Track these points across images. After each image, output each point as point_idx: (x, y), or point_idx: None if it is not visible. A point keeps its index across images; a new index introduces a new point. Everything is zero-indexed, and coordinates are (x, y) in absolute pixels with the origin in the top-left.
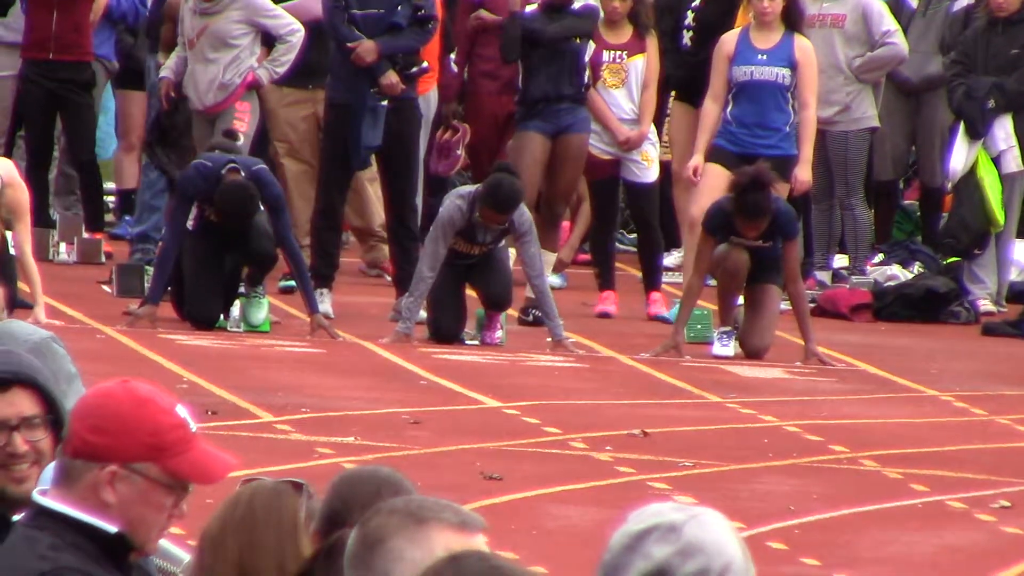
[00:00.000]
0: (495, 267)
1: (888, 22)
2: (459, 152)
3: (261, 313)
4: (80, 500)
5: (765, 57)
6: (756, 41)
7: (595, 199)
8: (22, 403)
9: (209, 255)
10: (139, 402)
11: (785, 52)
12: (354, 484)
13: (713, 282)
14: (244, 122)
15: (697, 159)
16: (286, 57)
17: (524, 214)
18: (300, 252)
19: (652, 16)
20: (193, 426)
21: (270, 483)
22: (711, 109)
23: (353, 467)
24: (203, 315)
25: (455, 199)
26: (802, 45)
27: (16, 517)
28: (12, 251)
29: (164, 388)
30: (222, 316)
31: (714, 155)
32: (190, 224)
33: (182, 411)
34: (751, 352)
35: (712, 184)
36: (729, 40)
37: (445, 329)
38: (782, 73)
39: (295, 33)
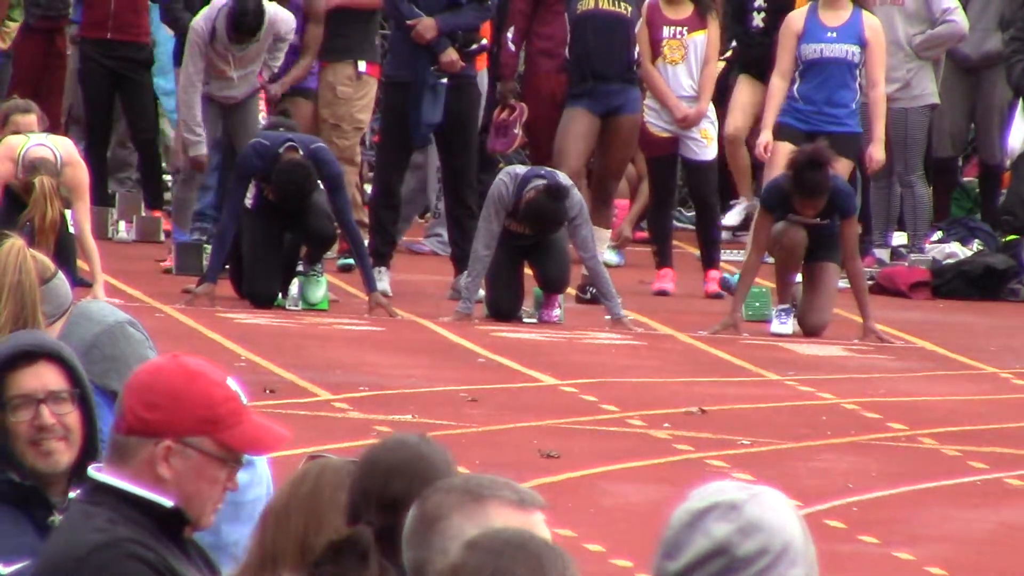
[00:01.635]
0: (552, 248)
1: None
2: (517, 131)
3: (320, 291)
4: (135, 476)
5: (835, 35)
6: (825, 19)
7: (653, 176)
8: (48, 377)
9: (268, 233)
10: (191, 376)
11: (854, 30)
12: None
13: (771, 260)
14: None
15: (766, 135)
16: (282, 53)
17: (575, 197)
18: (359, 230)
19: None
20: (244, 399)
21: (338, 461)
22: (779, 86)
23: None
24: (262, 293)
25: (505, 177)
26: (871, 23)
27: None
28: (71, 230)
29: (219, 365)
30: (280, 295)
31: (782, 133)
32: (249, 202)
33: (233, 384)
34: (809, 330)
35: (780, 161)
36: (797, 17)
37: (503, 308)
38: (852, 51)
39: (292, 31)
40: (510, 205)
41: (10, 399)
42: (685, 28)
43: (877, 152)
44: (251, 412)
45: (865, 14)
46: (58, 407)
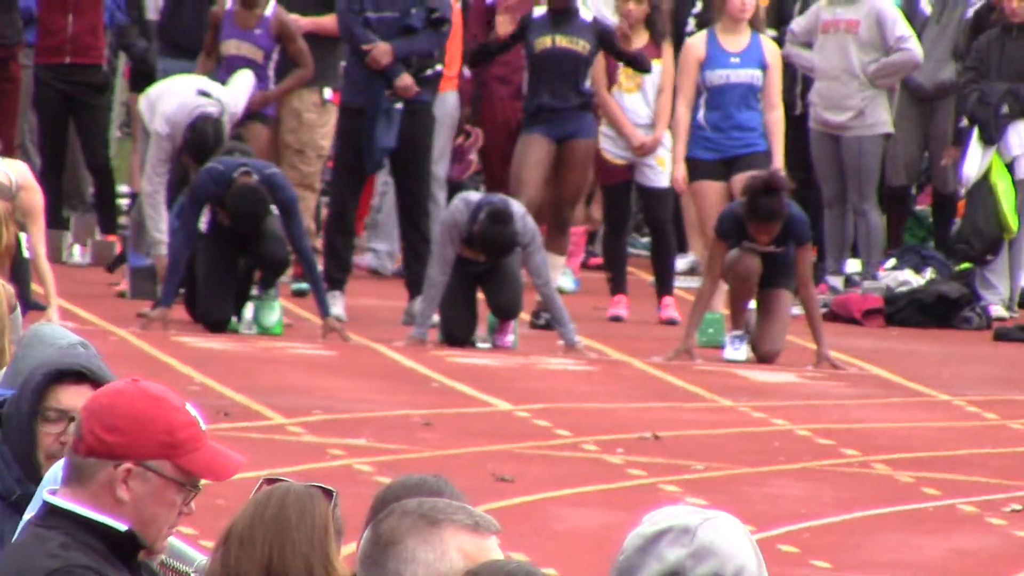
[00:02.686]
0: (504, 275)
1: (903, 27)
2: (472, 156)
3: (273, 315)
4: (93, 498)
5: (738, 60)
6: (726, 44)
7: (608, 203)
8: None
9: (222, 257)
10: (152, 401)
11: (756, 54)
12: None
13: (725, 287)
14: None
15: (680, 168)
16: None
17: (528, 224)
18: (313, 255)
19: (669, 24)
20: (203, 425)
21: (301, 485)
22: (685, 115)
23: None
24: (215, 317)
25: (459, 204)
26: (770, 47)
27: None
28: (26, 253)
29: (175, 390)
30: (234, 318)
31: (697, 170)
32: (203, 227)
33: (191, 410)
34: (763, 356)
35: (712, 202)
36: (697, 43)
37: (457, 333)
38: (755, 75)
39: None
40: (464, 231)
41: (45, 409)
42: None
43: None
44: (209, 438)
45: (763, 37)
46: None
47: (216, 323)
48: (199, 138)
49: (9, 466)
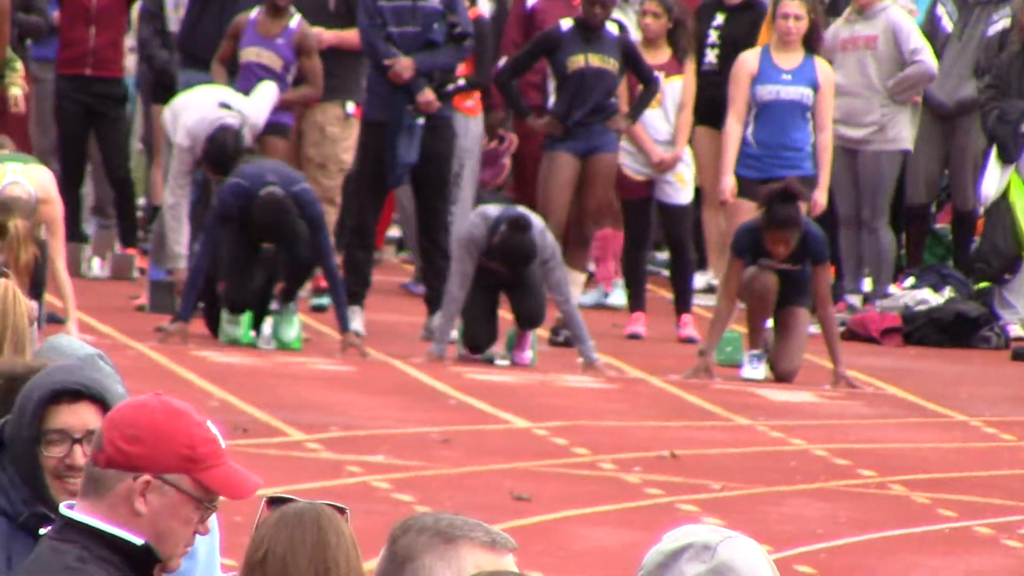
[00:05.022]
0: (527, 285)
1: (916, 40)
2: (505, 161)
3: (292, 330)
4: (110, 510)
5: (790, 77)
6: (779, 61)
7: (627, 219)
8: (88, 417)
9: (248, 244)
10: (175, 414)
11: (809, 72)
12: None
13: (743, 305)
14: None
15: (729, 179)
16: None
17: (547, 240)
18: (338, 271)
19: (692, 42)
20: (223, 443)
21: (325, 506)
22: (734, 129)
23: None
24: (240, 298)
25: (478, 219)
26: (823, 68)
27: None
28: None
29: (195, 405)
30: (252, 333)
31: (739, 188)
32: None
33: (212, 427)
34: (781, 375)
35: (744, 220)
36: (751, 59)
37: (479, 342)
38: (806, 93)
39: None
40: (484, 245)
41: (46, 432)
42: (663, 73)
43: (821, 197)
44: (229, 456)
45: (817, 59)
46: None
47: (239, 304)
48: (218, 148)
49: (16, 487)
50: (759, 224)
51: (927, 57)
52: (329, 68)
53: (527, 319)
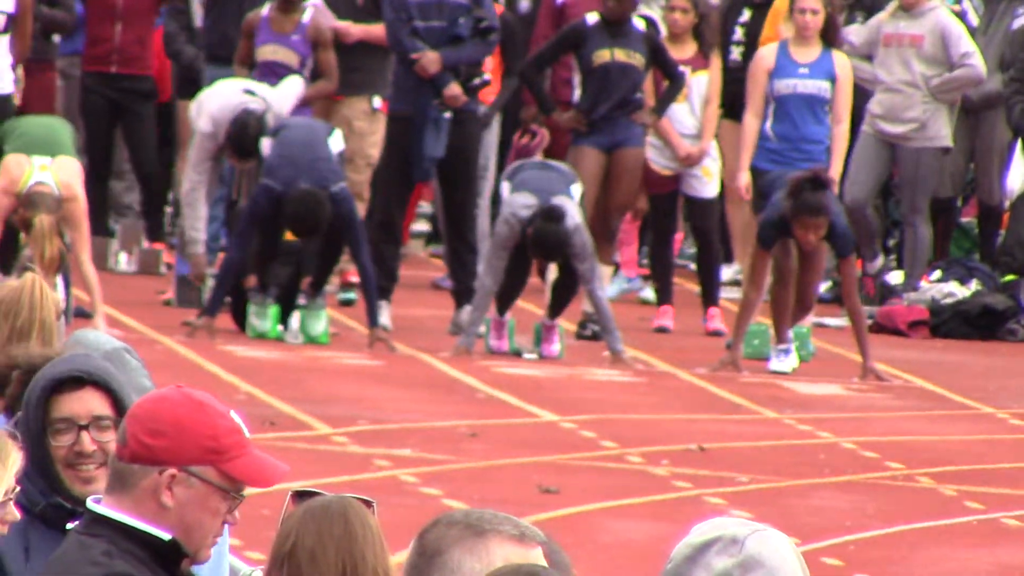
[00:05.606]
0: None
1: (967, 44)
2: (537, 157)
3: (320, 324)
4: (136, 504)
5: (807, 70)
6: (796, 55)
7: (654, 213)
8: (93, 403)
9: (273, 228)
10: (196, 407)
11: (826, 65)
12: None
13: (768, 298)
14: None
15: (745, 176)
16: None
17: (581, 234)
18: (371, 267)
19: (717, 36)
20: (247, 432)
21: (352, 498)
22: (752, 123)
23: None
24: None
25: (510, 219)
26: (841, 60)
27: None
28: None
29: (221, 398)
30: (280, 327)
31: (756, 180)
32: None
33: (235, 417)
34: (803, 304)
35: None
36: (768, 54)
37: (506, 294)
38: (823, 86)
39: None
40: (519, 237)
41: (53, 422)
42: (689, 68)
43: (833, 188)
44: (253, 445)
45: (835, 52)
46: (100, 434)
47: (269, 282)
48: (239, 130)
49: (32, 479)
50: (785, 214)
51: (977, 61)
52: (356, 62)
53: (564, 280)
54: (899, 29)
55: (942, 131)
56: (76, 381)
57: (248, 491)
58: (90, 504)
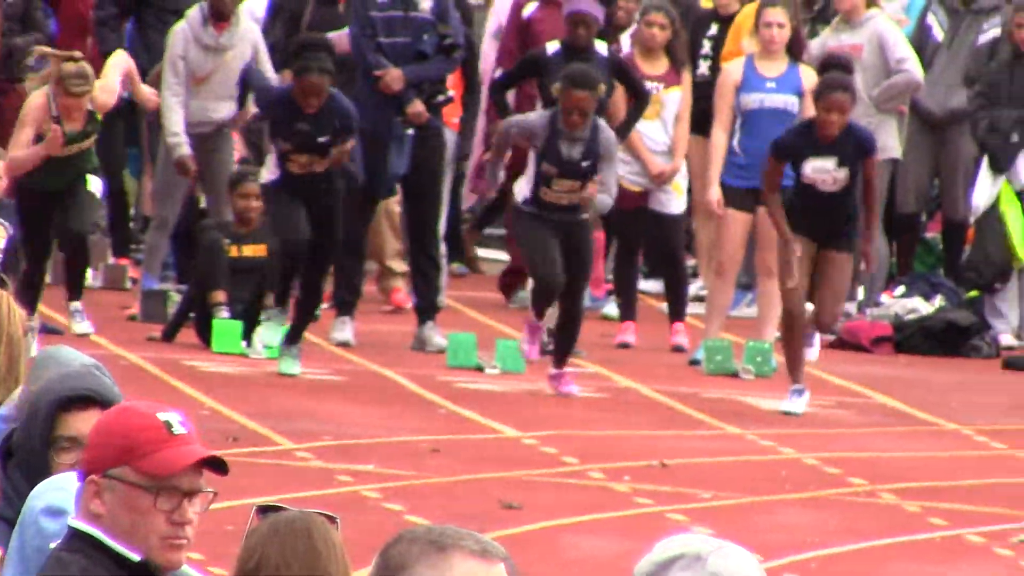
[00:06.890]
0: (580, 248)
1: (903, 49)
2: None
3: (277, 337)
4: (86, 516)
5: (774, 85)
6: (763, 69)
7: (620, 229)
8: None
9: (292, 201)
10: (118, 412)
11: (793, 80)
12: None
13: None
14: (238, 150)
15: (715, 190)
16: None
17: (607, 131)
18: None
19: (687, 52)
20: (176, 428)
21: (316, 515)
22: (722, 139)
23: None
24: (292, 240)
25: (534, 115)
26: (808, 74)
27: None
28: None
29: (183, 411)
30: (243, 343)
31: (725, 197)
32: (271, 176)
33: (167, 416)
34: (822, 326)
35: (733, 232)
36: (735, 68)
37: (550, 282)
38: (791, 101)
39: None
40: (544, 140)
41: (57, 439)
42: (661, 84)
43: None
44: (182, 441)
45: (801, 66)
46: None
47: (294, 245)
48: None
49: (23, 496)
50: (813, 94)
51: (913, 66)
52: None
53: (574, 273)
54: (841, 41)
55: (889, 143)
56: (85, 400)
57: (214, 504)
58: (69, 520)
